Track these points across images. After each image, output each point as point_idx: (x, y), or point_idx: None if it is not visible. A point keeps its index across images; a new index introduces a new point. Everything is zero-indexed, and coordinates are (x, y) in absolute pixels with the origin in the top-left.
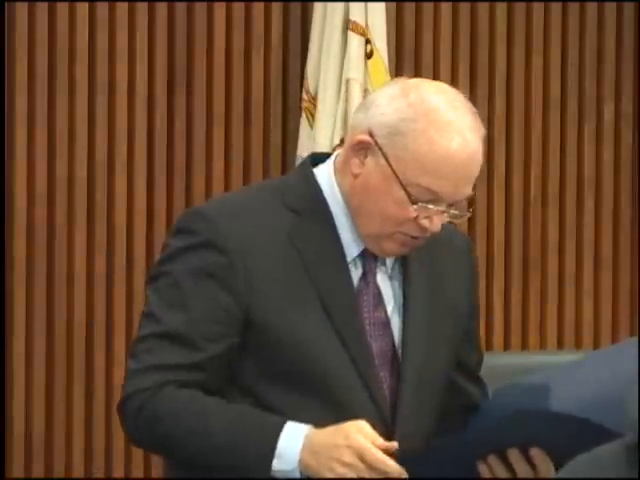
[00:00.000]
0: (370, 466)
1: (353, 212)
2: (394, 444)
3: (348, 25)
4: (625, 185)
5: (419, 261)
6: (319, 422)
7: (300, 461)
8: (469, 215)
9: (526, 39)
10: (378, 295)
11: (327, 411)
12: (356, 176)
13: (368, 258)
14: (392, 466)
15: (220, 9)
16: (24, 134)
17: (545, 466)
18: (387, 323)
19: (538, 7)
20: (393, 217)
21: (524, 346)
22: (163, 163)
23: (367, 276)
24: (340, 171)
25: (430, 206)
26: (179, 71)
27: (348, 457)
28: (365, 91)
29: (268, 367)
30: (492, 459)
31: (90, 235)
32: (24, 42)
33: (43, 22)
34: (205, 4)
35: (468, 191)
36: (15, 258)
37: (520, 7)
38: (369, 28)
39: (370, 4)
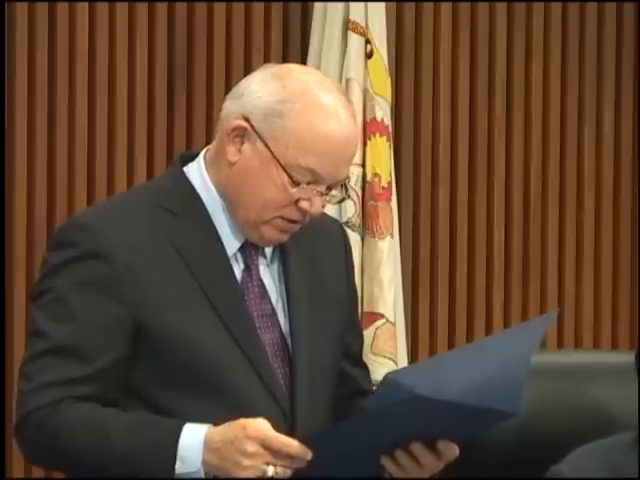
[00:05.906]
0: (274, 452)
1: (231, 202)
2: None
3: (348, 25)
4: (625, 185)
5: (297, 251)
6: (217, 421)
7: (204, 462)
8: (347, 197)
9: (526, 39)
10: (262, 287)
11: (224, 409)
12: (233, 164)
13: (249, 251)
14: (296, 447)
15: (220, 9)
16: (24, 134)
17: (449, 451)
18: (274, 314)
19: (538, 7)
20: (274, 201)
21: None
22: (163, 163)
23: (250, 269)
24: (213, 165)
25: (311, 187)
26: (179, 71)
27: (250, 447)
28: (365, 91)
29: (161, 371)
30: (398, 454)
31: None
32: (24, 42)
33: (43, 22)
34: (205, 4)
35: (346, 171)
36: (15, 258)
37: (520, 7)
38: (369, 28)
39: (370, 4)
